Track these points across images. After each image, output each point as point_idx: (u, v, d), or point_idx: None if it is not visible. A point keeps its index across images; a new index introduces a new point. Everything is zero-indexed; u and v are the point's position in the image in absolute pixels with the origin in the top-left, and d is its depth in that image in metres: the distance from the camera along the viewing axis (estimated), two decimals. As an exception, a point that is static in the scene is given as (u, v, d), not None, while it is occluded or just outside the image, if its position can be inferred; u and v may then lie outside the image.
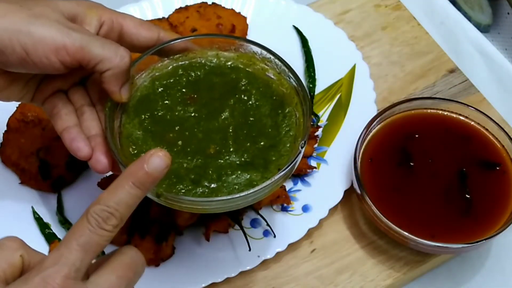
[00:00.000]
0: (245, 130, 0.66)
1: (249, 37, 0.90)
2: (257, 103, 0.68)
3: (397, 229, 0.72)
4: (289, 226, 0.78)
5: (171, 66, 0.70)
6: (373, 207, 0.73)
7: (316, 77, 0.89)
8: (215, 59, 0.71)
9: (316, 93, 0.88)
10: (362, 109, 0.85)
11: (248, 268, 0.75)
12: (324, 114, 0.87)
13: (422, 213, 0.75)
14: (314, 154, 0.83)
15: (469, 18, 0.99)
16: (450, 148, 0.79)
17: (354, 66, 0.89)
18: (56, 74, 0.63)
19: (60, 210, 0.78)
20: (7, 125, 0.81)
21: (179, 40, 0.70)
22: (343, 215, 0.81)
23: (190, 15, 0.90)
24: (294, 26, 0.93)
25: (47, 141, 0.80)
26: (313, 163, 0.82)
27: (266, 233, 0.78)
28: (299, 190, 0.81)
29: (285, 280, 0.77)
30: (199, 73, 0.70)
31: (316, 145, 0.83)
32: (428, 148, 0.79)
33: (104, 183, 0.78)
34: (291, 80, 0.68)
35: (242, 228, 0.76)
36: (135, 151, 0.64)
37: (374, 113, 0.83)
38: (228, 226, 0.76)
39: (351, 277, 0.77)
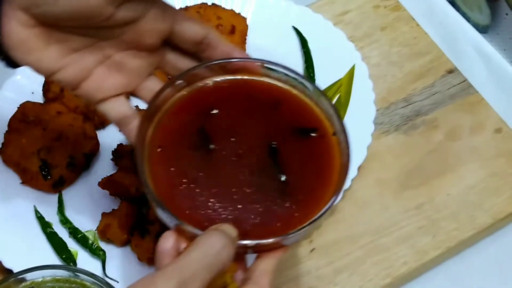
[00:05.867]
0: None
1: (249, 37, 0.91)
2: None
3: (196, 231, 0.54)
4: (288, 226, 0.78)
5: None
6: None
7: (316, 77, 0.89)
8: None
9: (315, 93, 0.88)
10: (361, 109, 0.85)
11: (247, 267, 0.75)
12: (323, 114, 0.87)
13: (230, 208, 0.57)
14: (314, 154, 0.83)
15: (467, 19, 0.99)
16: (256, 119, 0.63)
17: (353, 67, 0.89)
18: None
19: (61, 210, 0.79)
20: (8, 125, 0.81)
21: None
22: (342, 215, 0.81)
23: (190, 16, 0.90)
24: (293, 27, 0.93)
25: (48, 141, 0.80)
26: (312, 163, 0.82)
27: (265, 233, 0.78)
28: (298, 190, 0.81)
29: (284, 279, 0.77)
30: None
31: (315, 145, 0.84)
32: (230, 124, 0.62)
33: (105, 183, 0.78)
34: None
35: (241, 227, 0.76)
36: None
37: (374, 113, 0.83)
38: (228, 226, 0.76)
39: (350, 276, 0.77)
